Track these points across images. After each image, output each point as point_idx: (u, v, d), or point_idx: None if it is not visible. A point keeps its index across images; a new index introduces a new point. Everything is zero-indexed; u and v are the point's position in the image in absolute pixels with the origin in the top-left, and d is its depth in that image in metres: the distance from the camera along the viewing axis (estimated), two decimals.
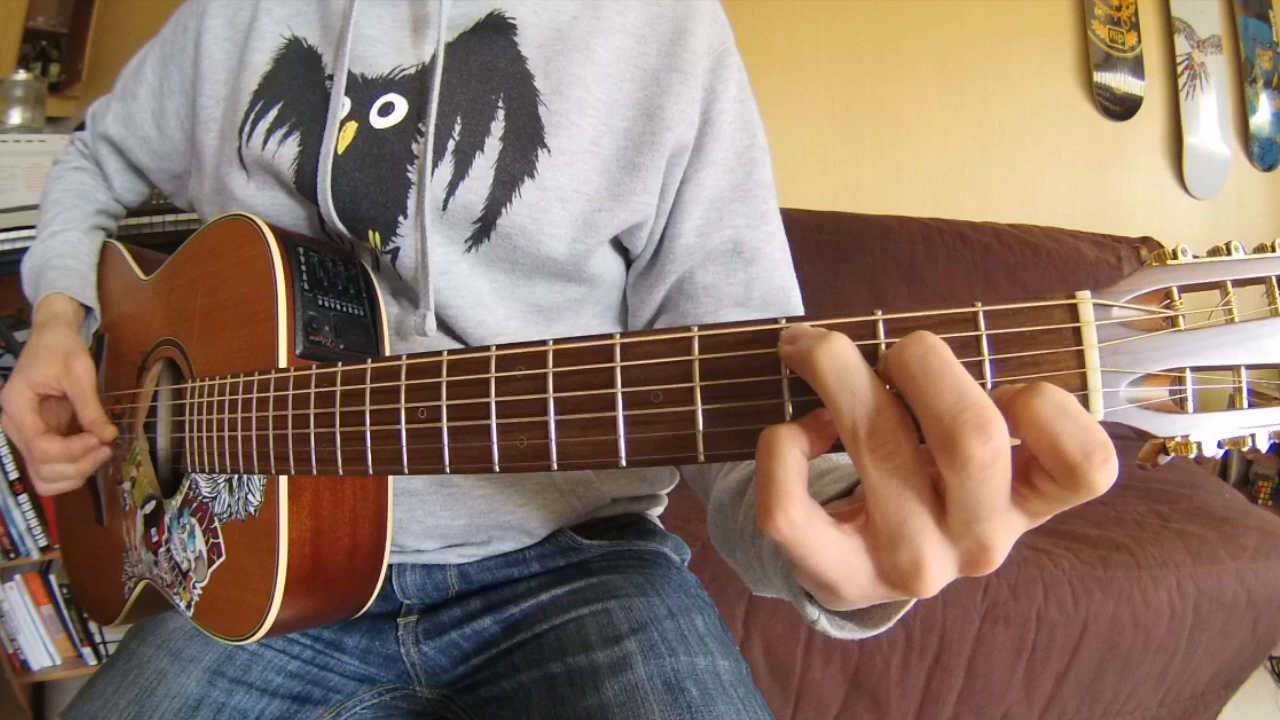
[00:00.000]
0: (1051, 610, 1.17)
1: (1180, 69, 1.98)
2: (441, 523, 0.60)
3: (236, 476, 0.50)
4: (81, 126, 0.77)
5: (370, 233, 0.56)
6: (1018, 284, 1.76)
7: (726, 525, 0.48)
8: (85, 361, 0.62)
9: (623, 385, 0.29)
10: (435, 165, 0.55)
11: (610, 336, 0.30)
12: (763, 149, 0.62)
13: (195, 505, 0.54)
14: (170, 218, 1.48)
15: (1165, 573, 1.21)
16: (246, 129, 0.59)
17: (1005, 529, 0.25)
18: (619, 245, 0.62)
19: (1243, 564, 1.25)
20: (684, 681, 0.50)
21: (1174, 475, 1.58)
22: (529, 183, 0.55)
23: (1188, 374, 0.26)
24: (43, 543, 1.48)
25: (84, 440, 0.61)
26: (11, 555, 1.48)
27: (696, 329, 0.29)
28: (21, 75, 1.63)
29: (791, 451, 0.26)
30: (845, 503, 0.28)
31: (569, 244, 0.57)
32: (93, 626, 1.58)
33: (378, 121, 0.57)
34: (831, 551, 0.27)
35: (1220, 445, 0.26)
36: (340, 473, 0.37)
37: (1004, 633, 1.17)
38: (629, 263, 0.64)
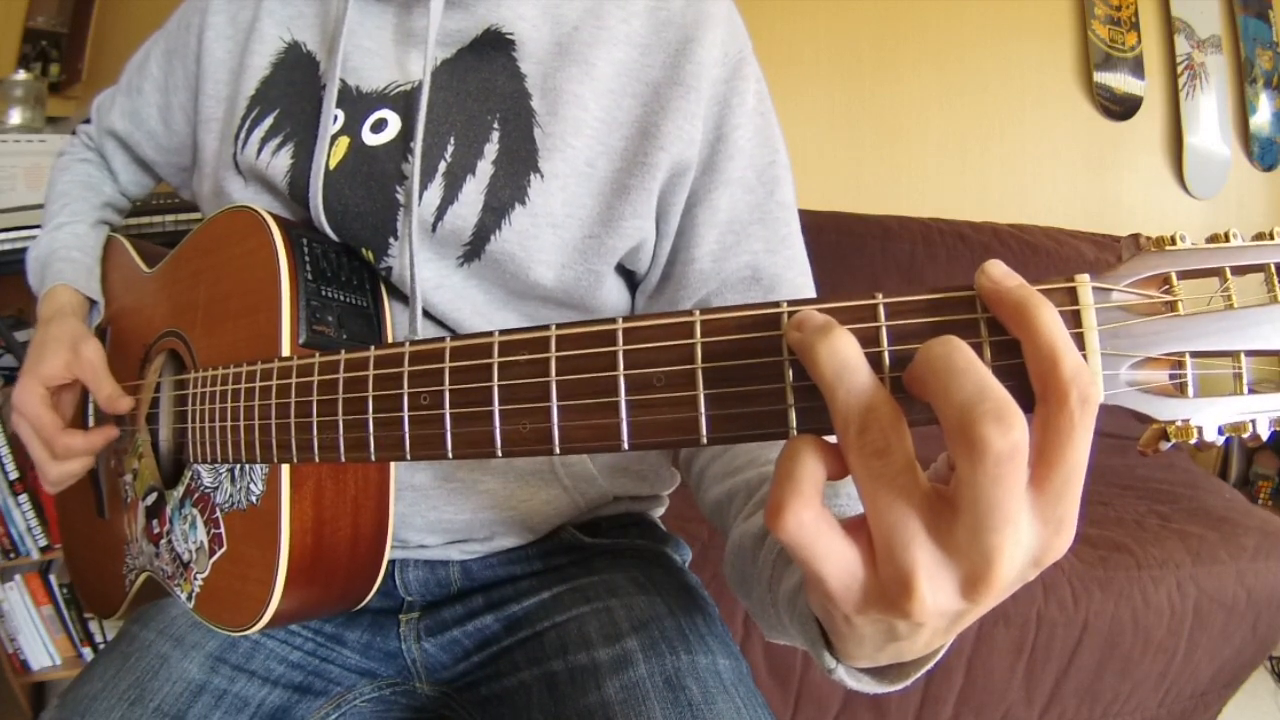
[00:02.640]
0: (1051, 610, 1.17)
1: (1180, 69, 1.99)
2: (445, 518, 0.60)
3: (239, 466, 0.50)
4: (88, 119, 0.77)
5: (364, 250, 0.56)
6: None
7: (745, 569, 0.47)
8: (93, 344, 0.62)
9: (625, 369, 0.29)
10: (425, 186, 0.54)
11: (613, 321, 0.30)
12: (785, 166, 0.59)
13: (197, 496, 0.54)
14: (172, 218, 1.47)
15: (1165, 573, 1.21)
16: (242, 135, 0.59)
17: (1014, 543, 0.25)
18: (622, 269, 0.60)
19: (1243, 564, 1.25)
20: (685, 680, 0.50)
21: (1174, 475, 1.58)
22: (519, 209, 0.54)
23: (1188, 359, 0.26)
24: (43, 543, 1.48)
25: (104, 433, 0.61)
26: (11, 555, 1.48)
27: (698, 313, 0.29)
28: (21, 75, 1.63)
29: (814, 458, 0.26)
30: (858, 517, 0.28)
31: (558, 270, 0.55)
32: (93, 626, 1.57)
33: (370, 138, 0.55)
34: (834, 558, 0.27)
35: (1221, 431, 0.27)
36: (342, 459, 0.38)
37: (1004, 633, 1.17)
38: (634, 287, 0.62)
